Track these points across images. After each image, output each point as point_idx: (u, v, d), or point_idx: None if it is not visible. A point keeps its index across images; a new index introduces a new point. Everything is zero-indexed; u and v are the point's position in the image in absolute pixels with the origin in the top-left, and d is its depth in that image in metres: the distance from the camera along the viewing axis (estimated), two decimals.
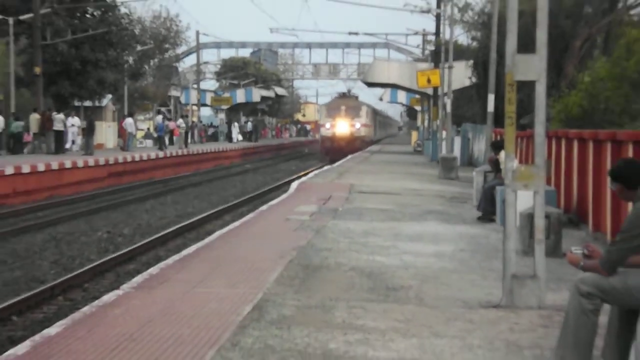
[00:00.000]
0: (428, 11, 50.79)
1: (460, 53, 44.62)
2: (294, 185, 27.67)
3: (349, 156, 50.46)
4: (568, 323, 6.56)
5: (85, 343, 7.80)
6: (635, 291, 6.39)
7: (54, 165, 35.54)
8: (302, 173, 41.31)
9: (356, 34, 71.10)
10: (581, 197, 17.92)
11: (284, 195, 24.31)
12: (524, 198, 10.24)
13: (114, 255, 18.05)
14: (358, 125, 66.15)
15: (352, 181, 28.69)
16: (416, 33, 61.12)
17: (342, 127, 64.85)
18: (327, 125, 66.02)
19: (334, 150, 60.57)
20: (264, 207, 20.94)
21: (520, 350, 7.72)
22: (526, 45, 9.87)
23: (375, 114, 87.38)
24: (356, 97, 72.59)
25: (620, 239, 6.54)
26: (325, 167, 38.82)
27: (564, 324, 6.62)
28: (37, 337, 8.14)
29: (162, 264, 12.52)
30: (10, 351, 7.72)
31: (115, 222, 24.66)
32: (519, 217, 10.36)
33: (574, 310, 6.53)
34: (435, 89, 45.03)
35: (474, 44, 45.22)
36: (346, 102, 67.95)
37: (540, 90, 9.75)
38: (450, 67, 38.12)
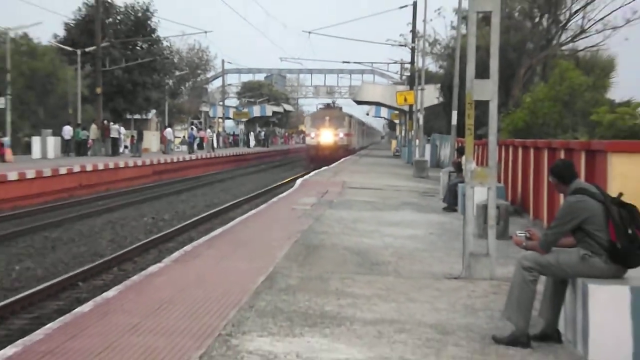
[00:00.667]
0: (405, 45, 50.78)
1: (430, 78, 44.50)
2: (298, 182, 27.61)
3: (342, 159, 48.54)
4: (513, 290, 6.59)
5: (135, 303, 7.85)
6: (565, 266, 6.43)
7: (111, 165, 35.64)
8: (305, 172, 41.21)
9: (348, 62, 71.21)
10: (524, 192, 17.94)
11: (290, 190, 24.25)
12: (479, 192, 10.25)
13: (157, 236, 18.11)
14: (341, 134, 55.88)
15: (344, 179, 28.63)
16: (395, 62, 60.40)
17: (326, 136, 54.96)
18: (312, 135, 55.88)
19: (319, 158, 50.86)
20: (275, 199, 20.93)
21: (476, 312, 7.76)
22: (482, 72, 9.89)
23: (358, 124, 76.23)
24: (340, 108, 62.39)
25: (554, 225, 6.58)
26: (323, 168, 38.54)
27: (510, 291, 6.64)
28: (98, 299, 8.20)
29: (194, 243, 12.56)
30: (78, 309, 7.78)
31: (158, 210, 24.67)
32: (475, 208, 10.39)
33: (518, 280, 6.55)
34: (411, 106, 44.92)
35: (441, 71, 45.23)
36: (330, 112, 57.44)
37: (493, 108, 9.78)
38: (422, 89, 38.06)
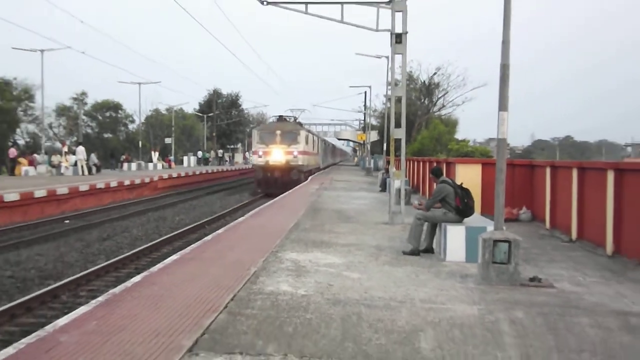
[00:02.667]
0: (361, 111, 50.72)
1: (373, 127, 44.48)
2: (310, 178, 27.46)
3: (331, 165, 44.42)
4: (412, 229, 6.60)
5: (232, 235, 7.83)
6: (436, 217, 6.45)
7: (219, 169, 35.63)
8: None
9: (333, 119, 70.81)
10: (417, 182, 17.95)
11: (305, 182, 24.02)
12: (397, 183, 10.30)
13: (241, 204, 18.05)
14: (296, 152, 22.96)
15: (332, 176, 28.52)
16: (357, 120, 60.75)
17: (276, 155, 22.76)
18: (260, 153, 22.80)
19: (267, 182, 22.60)
20: (297, 187, 20.83)
21: (394, 239, 7.76)
22: (397, 124, 9.94)
23: (321, 141, 36.09)
24: (299, 123, 26.05)
25: (431, 198, 6.59)
26: (323, 170, 37.93)
27: (410, 229, 6.66)
28: (214, 234, 8.13)
29: (260, 207, 12.44)
30: (205, 238, 7.74)
31: (242, 191, 24.57)
32: (395, 190, 10.43)
33: (414, 224, 6.58)
34: (364, 141, 44.86)
35: (378, 124, 45.38)
36: (282, 126, 23.36)
37: (403, 142, 9.81)
38: (370, 133, 38.17)
